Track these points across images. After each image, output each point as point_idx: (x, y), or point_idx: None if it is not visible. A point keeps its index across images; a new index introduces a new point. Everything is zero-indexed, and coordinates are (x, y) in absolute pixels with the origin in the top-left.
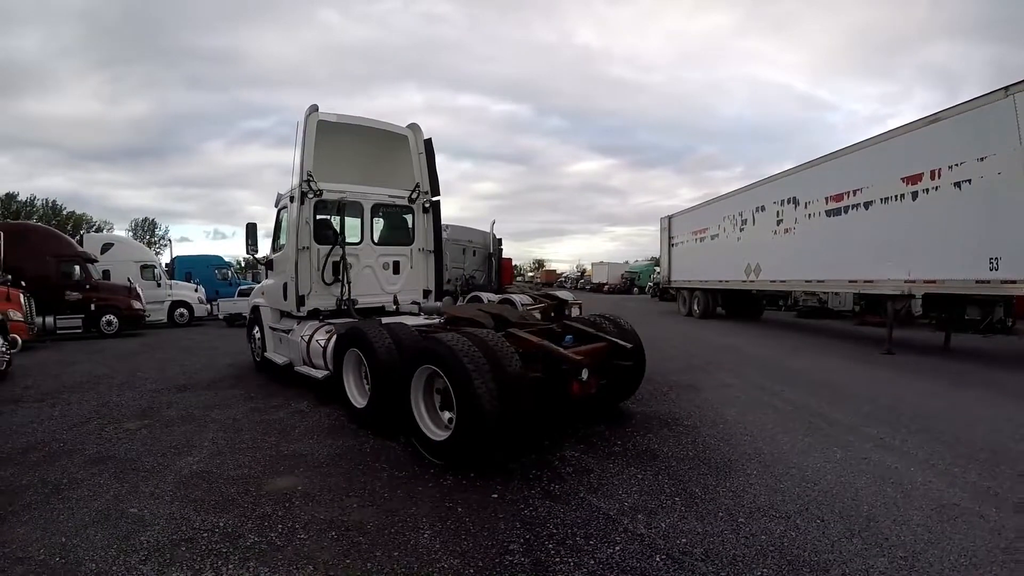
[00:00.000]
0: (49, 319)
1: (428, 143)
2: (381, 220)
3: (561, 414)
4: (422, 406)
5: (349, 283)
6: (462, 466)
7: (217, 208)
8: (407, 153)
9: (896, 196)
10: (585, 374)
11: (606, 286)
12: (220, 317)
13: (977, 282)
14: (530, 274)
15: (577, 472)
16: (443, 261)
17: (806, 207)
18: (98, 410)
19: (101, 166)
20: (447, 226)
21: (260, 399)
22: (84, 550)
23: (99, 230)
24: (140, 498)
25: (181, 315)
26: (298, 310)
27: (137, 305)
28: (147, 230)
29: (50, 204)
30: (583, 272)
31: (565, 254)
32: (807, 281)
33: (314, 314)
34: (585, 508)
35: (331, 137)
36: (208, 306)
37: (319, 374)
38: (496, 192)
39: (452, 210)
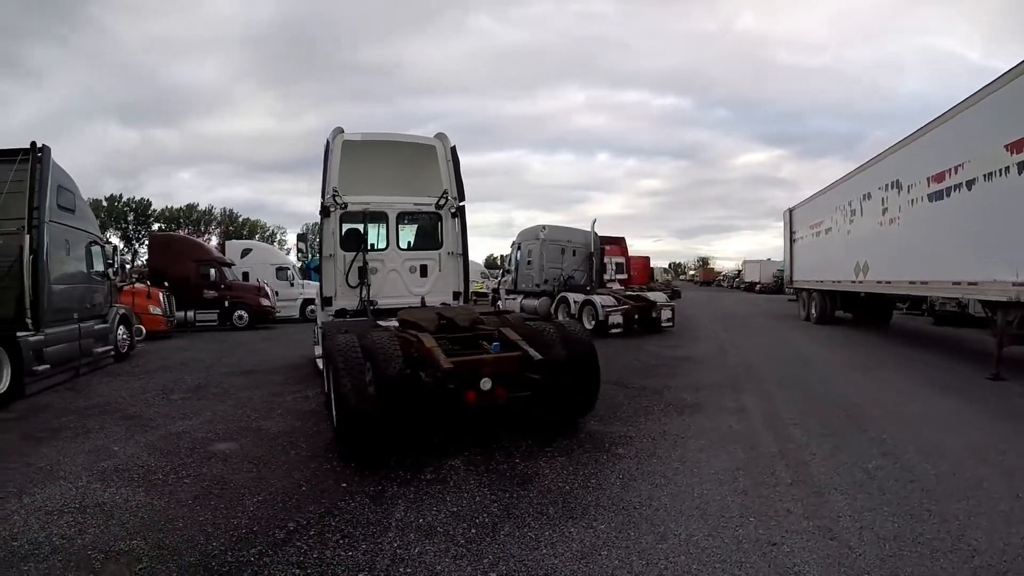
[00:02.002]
0: (190, 314)
1: (453, 151)
2: (410, 227)
3: (486, 419)
4: (332, 398)
5: (368, 286)
6: (344, 455)
7: None
8: (435, 162)
9: (1000, 170)
10: (487, 384)
11: (758, 285)
12: None
13: None
14: (691, 272)
15: (431, 481)
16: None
17: (909, 191)
18: (165, 385)
19: (278, 176)
20: (544, 226)
21: (288, 385)
22: (65, 465)
23: (272, 234)
24: (125, 443)
25: (311, 311)
26: (323, 310)
27: (265, 302)
28: (318, 232)
29: (227, 212)
30: (739, 271)
31: (733, 251)
32: (911, 283)
33: (341, 313)
34: (381, 510)
35: (359, 154)
36: None
37: (320, 365)
38: (661, 188)
39: (615, 208)
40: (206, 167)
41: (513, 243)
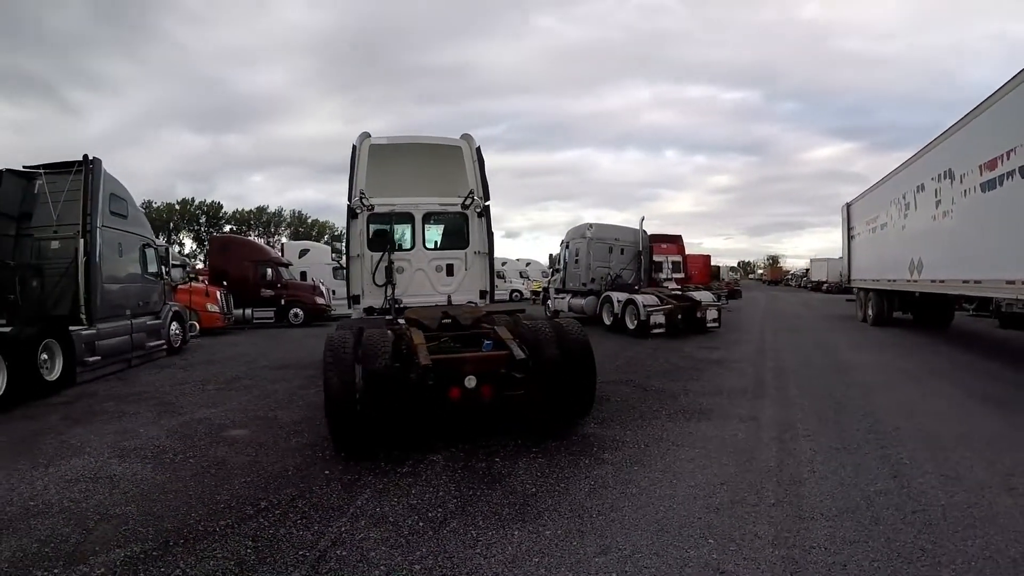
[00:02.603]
0: (248, 311)
1: (478, 151)
2: (436, 226)
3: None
4: None
5: (393, 285)
6: (336, 446)
7: None
8: (461, 162)
9: None
10: (471, 381)
11: (825, 285)
12: None
13: None
14: (759, 271)
15: (405, 474)
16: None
17: (961, 181)
18: (205, 377)
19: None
20: (591, 224)
21: (316, 379)
22: (93, 443)
23: (340, 235)
24: (149, 427)
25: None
26: (350, 307)
27: (320, 301)
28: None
29: (296, 214)
30: (807, 270)
31: (804, 249)
32: (964, 281)
33: (369, 311)
34: (347, 497)
35: (387, 157)
36: None
37: None
38: (730, 185)
39: (685, 205)
40: (276, 170)
41: (562, 241)
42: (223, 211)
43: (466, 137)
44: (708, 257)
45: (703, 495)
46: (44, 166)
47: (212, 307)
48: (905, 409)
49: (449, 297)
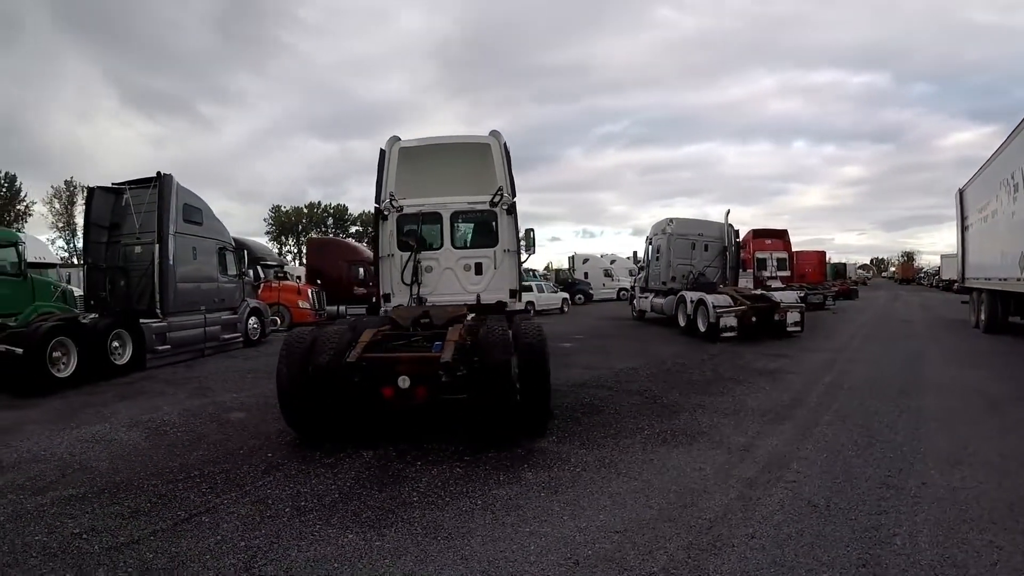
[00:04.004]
0: (342, 308)
1: (505, 147)
2: (466, 225)
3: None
4: None
5: (419, 284)
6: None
7: (583, 209)
8: (490, 159)
9: None
10: (405, 382)
11: (956, 284)
12: None
13: None
14: (892, 269)
15: (323, 464)
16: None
17: None
18: (257, 366)
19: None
20: (671, 219)
21: None
22: (120, 414)
23: None
24: (173, 405)
25: None
26: (382, 306)
27: None
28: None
29: None
30: (939, 267)
31: (943, 244)
32: None
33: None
34: (255, 475)
35: (416, 158)
36: None
37: None
38: (862, 176)
39: (816, 199)
40: None
41: (646, 237)
42: (348, 213)
43: (494, 133)
44: (822, 254)
45: (583, 541)
46: (129, 182)
47: (303, 304)
48: (952, 455)
49: (478, 296)
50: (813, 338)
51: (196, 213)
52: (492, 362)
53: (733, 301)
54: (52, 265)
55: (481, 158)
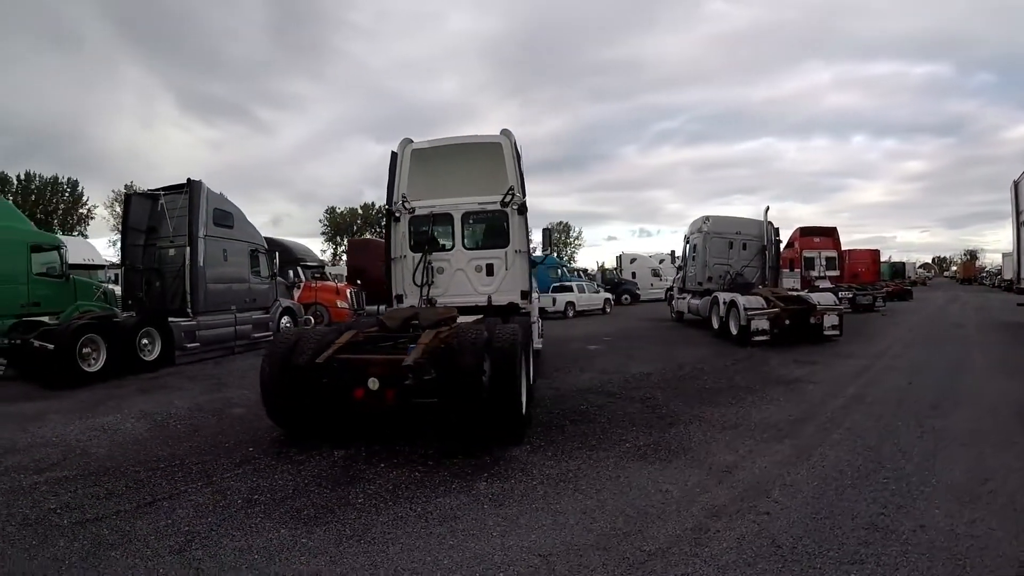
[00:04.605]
0: (382, 307)
1: (515, 146)
2: (477, 226)
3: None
4: None
5: (429, 285)
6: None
7: (639, 208)
8: (502, 159)
9: None
10: (374, 384)
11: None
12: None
13: None
14: (953, 268)
15: (292, 460)
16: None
17: None
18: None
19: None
20: (708, 217)
21: None
22: (134, 406)
23: None
24: (184, 400)
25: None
26: (395, 306)
27: None
28: (563, 231)
29: None
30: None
31: (1007, 242)
32: None
33: None
34: (226, 467)
35: (429, 160)
36: None
37: None
38: (924, 171)
39: (876, 195)
40: None
41: (684, 236)
42: None
43: (505, 132)
44: (875, 252)
45: (500, 561)
46: (164, 188)
47: (341, 303)
48: (968, 490)
49: (489, 298)
50: (852, 342)
51: (227, 217)
52: (461, 366)
53: (766, 303)
54: (101, 266)
55: (493, 158)
